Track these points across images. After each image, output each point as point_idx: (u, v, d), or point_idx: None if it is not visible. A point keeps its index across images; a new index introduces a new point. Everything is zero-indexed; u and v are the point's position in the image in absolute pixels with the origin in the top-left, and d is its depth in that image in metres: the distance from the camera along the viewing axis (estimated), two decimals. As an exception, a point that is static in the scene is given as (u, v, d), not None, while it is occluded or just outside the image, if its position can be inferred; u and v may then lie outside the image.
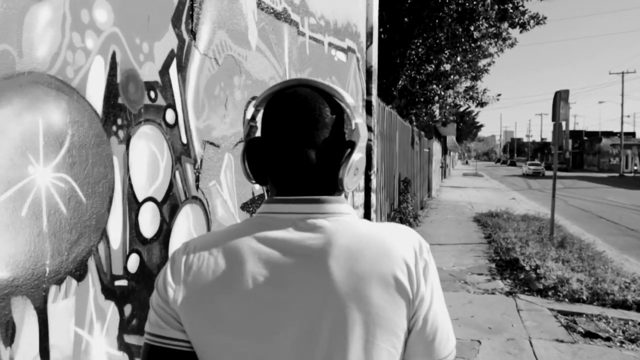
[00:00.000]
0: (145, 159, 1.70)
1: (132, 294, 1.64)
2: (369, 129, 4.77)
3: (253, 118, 0.94)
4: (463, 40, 10.65)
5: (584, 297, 5.16)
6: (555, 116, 8.57)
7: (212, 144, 2.13)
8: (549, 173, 41.22)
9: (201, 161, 2.05)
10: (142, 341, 0.84)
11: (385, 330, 0.76)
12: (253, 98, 2.54)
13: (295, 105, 0.82)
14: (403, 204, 9.33)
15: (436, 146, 23.05)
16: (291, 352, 0.76)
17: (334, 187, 0.84)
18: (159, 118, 1.77)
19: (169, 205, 1.83)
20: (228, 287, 0.77)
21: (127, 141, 1.61)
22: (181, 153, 1.91)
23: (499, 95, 12.55)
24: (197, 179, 2.02)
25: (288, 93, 0.85)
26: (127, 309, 1.61)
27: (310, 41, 3.36)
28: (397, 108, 10.46)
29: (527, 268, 6.18)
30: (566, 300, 5.20)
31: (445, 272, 6.46)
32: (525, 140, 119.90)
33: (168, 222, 1.83)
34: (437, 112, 13.05)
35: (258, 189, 2.59)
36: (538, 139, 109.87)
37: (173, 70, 1.86)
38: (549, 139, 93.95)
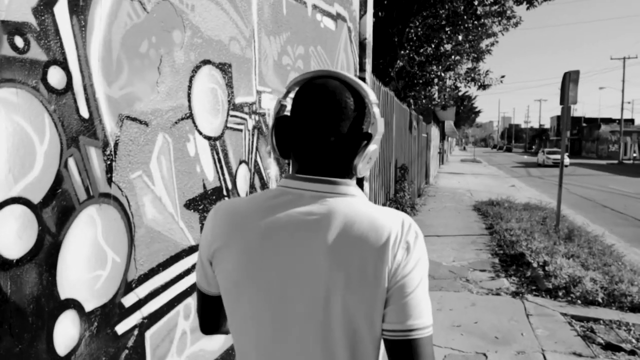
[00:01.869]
0: (4, 140, 1.11)
1: (-19, 347, 1.07)
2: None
3: (284, 98, 1.02)
4: (465, 17, 9.97)
5: (600, 300, 4.63)
6: (563, 99, 7.98)
7: (135, 120, 1.55)
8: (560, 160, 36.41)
9: (116, 144, 1.46)
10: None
11: (366, 292, 0.85)
12: (205, 62, 1.95)
13: (325, 96, 0.91)
14: (400, 192, 8.74)
15: (434, 131, 22.43)
16: (286, 302, 0.89)
17: (348, 172, 0.95)
18: (33, 79, 1.18)
19: (56, 208, 1.25)
20: (239, 242, 0.92)
21: (-37, 111, 1.03)
22: (79, 132, 1.33)
23: (503, 77, 11.89)
24: (110, 169, 1.44)
25: (319, 83, 0.94)
26: (-30, 372, 1.05)
27: (288, -1, 2.75)
28: (394, 90, 9.83)
29: (535, 265, 5.64)
30: (579, 302, 4.68)
31: (445, 268, 5.92)
32: (523, 126, 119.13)
33: (55, 232, 1.25)
34: (436, 95, 12.39)
35: (212, 181, 2.01)
36: (536, 125, 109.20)
37: (61, 9, 1.26)
38: (548, 125, 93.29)
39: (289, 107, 0.99)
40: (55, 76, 1.24)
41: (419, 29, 11.09)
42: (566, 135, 8.21)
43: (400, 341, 0.85)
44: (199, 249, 1.01)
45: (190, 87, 1.84)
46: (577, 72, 7.86)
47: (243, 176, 2.30)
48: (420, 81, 11.22)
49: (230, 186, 2.17)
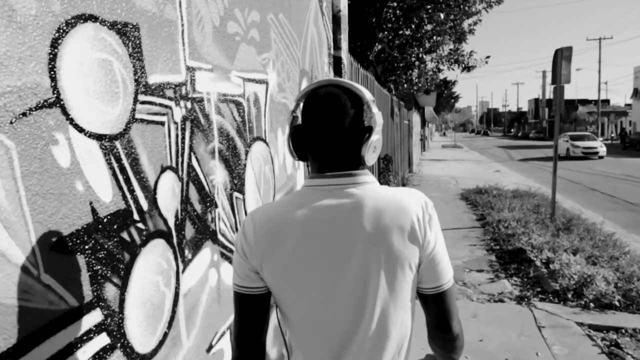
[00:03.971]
0: None
1: None
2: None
3: (295, 110, 1.19)
4: (446, -6, 9.33)
5: (617, 303, 4.07)
6: (555, 78, 7.41)
7: None
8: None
9: None
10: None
11: (403, 266, 1.06)
12: (84, 18, 1.24)
13: (329, 102, 1.09)
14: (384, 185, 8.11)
15: (416, 117, 21.88)
16: (335, 283, 1.06)
17: (359, 162, 1.11)
18: None
19: None
20: (285, 241, 1.07)
21: None
22: None
23: (488, 57, 11.29)
24: None
25: (322, 92, 1.11)
26: None
27: (233, -55, 2.04)
28: (374, 76, 9.15)
29: (538, 263, 5.07)
30: (593, 306, 4.12)
31: (437, 269, 5.31)
32: (501, 110, 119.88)
33: None
34: (416, 80, 11.75)
35: (109, 202, 1.31)
36: (514, 109, 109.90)
37: None
38: (525, 108, 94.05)
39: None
40: None
41: (397, 10, 10.41)
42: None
43: (433, 295, 1.11)
44: (238, 255, 1.12)
45: (54, 57, 1.13)
46: (569, 49, 7.29)
47: (169, 188, 1.61)
48: (401, 65, 10.56)
49: (145, 206, 1.48)
